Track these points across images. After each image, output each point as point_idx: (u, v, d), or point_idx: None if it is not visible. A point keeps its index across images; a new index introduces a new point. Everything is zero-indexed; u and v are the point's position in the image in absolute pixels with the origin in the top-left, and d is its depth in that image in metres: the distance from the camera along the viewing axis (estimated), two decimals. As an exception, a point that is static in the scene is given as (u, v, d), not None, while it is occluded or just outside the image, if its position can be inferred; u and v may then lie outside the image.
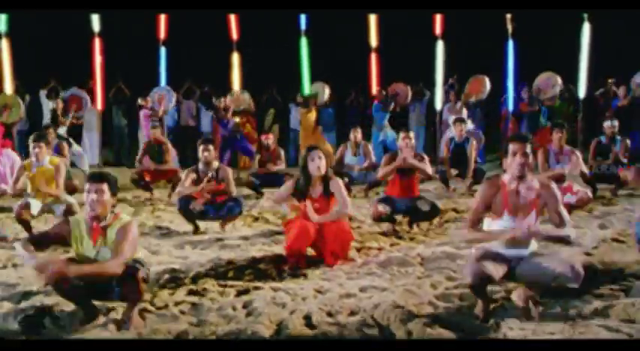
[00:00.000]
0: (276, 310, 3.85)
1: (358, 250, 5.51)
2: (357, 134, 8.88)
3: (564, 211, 3.85)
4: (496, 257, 3.70)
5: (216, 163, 6.61)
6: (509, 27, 11.70)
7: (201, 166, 6.55)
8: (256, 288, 4.36)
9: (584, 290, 4.08)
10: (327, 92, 12.43)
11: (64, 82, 12.43)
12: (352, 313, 3.82)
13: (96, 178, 3.77)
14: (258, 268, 4.92)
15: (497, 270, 3.64)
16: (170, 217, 7.22)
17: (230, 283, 4.50)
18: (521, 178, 3.77)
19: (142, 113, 11.56)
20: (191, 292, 4.30)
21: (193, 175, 6.53)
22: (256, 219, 7.19)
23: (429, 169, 6.53)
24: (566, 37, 12.36)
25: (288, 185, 5.38)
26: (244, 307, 3.97)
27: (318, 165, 5.12)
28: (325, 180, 5.20)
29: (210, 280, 4.54)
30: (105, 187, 3.71)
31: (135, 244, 3.79)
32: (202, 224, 6.66)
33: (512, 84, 12.12)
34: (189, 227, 6.55)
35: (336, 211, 5.14)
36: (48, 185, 6.29)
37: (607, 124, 8.40)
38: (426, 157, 6.65)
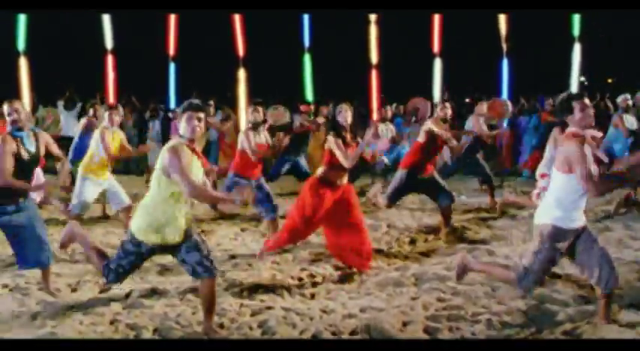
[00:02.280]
0: (287, 330, 4.39)
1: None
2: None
3: None
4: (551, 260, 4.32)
5: None
6: (504, 46, 12.20)
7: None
8: (268, 308, 4.88)
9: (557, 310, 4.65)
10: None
11: (78, 95, 13.02)
12: (353, 333, 4.37)
13: (200, 107, 4.20)
14: (268, 287, 5.43)
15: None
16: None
17: (245, 302, 5.02)
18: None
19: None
20: (212, 312, 4.82)
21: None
22: (264, 235, 7.68)
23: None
24: (559, 55, 12.89)
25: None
26: (259, 326, 4.50)
27: (345, 116, 5.94)
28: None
29: (227, 300, 5.04)
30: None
31: None
32: (214, 240, 7.18)
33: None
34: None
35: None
36: (120, 147, 7.22)
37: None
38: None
